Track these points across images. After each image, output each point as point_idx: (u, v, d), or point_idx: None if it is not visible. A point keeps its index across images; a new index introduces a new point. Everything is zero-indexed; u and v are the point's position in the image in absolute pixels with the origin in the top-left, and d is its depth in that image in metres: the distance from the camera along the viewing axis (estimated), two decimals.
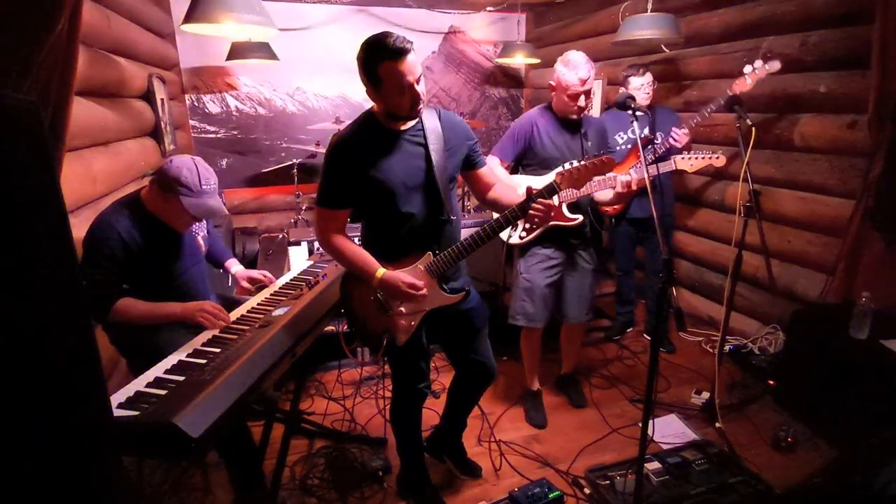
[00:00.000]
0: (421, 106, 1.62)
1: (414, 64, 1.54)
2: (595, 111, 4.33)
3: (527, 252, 2.44)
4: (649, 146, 2.90)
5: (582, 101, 2.22)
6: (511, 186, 1.88)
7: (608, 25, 4.07)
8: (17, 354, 0.62)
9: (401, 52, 1.50)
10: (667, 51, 3.58)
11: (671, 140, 2.81)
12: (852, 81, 2.51)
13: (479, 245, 1.72)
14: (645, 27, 2.94)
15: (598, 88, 4.42)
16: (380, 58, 1.52)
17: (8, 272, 0.56)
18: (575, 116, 2.28)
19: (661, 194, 3.02)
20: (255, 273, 2.23)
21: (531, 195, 1.67)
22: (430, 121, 1.72)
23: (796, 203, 2.86)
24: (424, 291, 1.70)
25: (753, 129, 2.38)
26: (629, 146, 3.03)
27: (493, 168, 1.90)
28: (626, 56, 4.08)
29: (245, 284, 2.21)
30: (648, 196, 2.62)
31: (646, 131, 3.00)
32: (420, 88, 1.58)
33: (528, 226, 2.40)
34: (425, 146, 1.69)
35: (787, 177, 2.90)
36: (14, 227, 0.55)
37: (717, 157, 2.61)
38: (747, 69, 2.62)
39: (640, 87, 2.97)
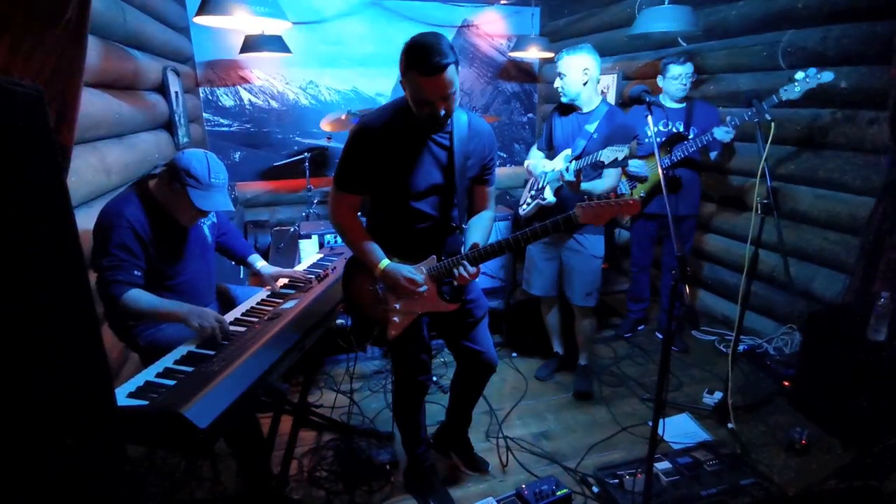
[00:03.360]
0: (442, 125, 1.60)
1: (444, 84, 1.48)
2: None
3: None
4: (683, 143, 2.80)
5: (556, 83, 2.42)
6: (478, 229, 1.82)
7: (624, 19, 4.01)
8: (19, 344, 0.62)
9: (431, 71, 1.45)
10: (684, 44, 3.51)
11: (715, 137, 2.70)
12: (874, 77, 2.44)
13: (482, 261, 1.69)
14: (662, 20, 2.87)
15: (612, 83, 4.36)
16: (410, 65, 1.48)
17: (8, 262, 0.56)
18: (563, 100, 2.45)
19: (683, 192, 2.94)
20: (286, 272, 2.21)
21: (469, 253, 1.67)
22: (460, 124, 1.68)
23: (815, 201, 2.79)
24: (423, 291, 1.69)
25: (772, 124, 2.33)
26: (659, 139, 2.93)
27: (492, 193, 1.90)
28: (641, 50, 4.02)
29: (276, 285, 2.16)
30: (670, 193, 2.67)
31: (679, 126, 2.92)
32: (448, 104, 1.54)
33: (528, 201, 2.63)
34: (450, 150, 1.67)
35: (805, 174, 2.83)
36: (15, 214, 0.54)
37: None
38: (799, 75, 2.42)
39: (679, 76, 2.86)
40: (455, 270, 1.68)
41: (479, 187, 1.83)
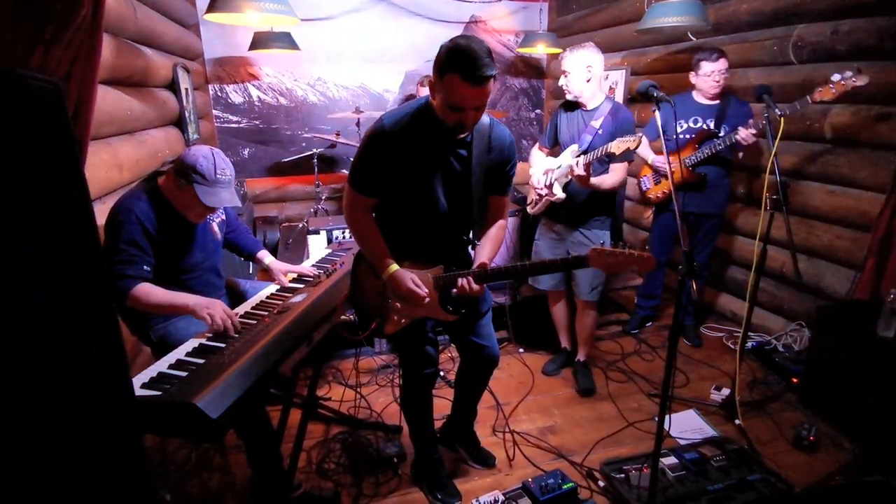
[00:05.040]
0: (465, 133, 1.59)
1: (484, 94, 1.47)
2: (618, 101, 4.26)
3: (540, 223, 2.77)
4: (711, 140, 2.77)
5: (561, 81, 2.46)
6: (489, 243, 1.81)
7: (633, 13, 3.98)
8: (41, 335, 0.63)
9: (477, 80, 1.43)
10: (694, 39, 3.49)
11: (736, 137, 2.65)
12: (885, 72, 2.42)
13: (487, 281, 1.70)
14: (671, 14, 2.86)
15: (621, 79, 4.34)
16: (453, 68, 1.44)
17: (30, 250, 0.57)
18: (568, 98, 2.49)
19: (708, 190, 2.93)
20: (294, 268, 2.25)
21: (476, 270, 1.69)
22: (481, 134, 1.65)
23: (825, 196, 2.77)
24: (426, 300, 1.69)
25: (782, 119, 2.31)
26: (689, 136, 2.92)
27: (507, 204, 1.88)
28: (650, 45, 3.99)
29: (284, 280, 2.19)
30: (695, 191, 2.77)
31: (711, 123, 2.88)
32: (478, 114, 1.54)
33: (535, 198, 2.66)
34: (468, 160, 1.65)
35: (815, 169, 2.81)
36: (37, 203, 0.56)
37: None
38: (835, 77, 2.34)
39: (711, 73, 2.79)
40: (459, 280, 1.68)
41: (494, 197, 1.81)
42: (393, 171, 1.63)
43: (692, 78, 2.92)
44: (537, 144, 2.76)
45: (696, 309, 3.39)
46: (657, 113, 1.75)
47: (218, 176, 1.80)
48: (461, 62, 1.42)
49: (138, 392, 1.35)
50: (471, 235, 1.84)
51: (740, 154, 2.93)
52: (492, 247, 1.80)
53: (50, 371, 0.66)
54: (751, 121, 2.63)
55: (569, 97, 2.46)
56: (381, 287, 1.76)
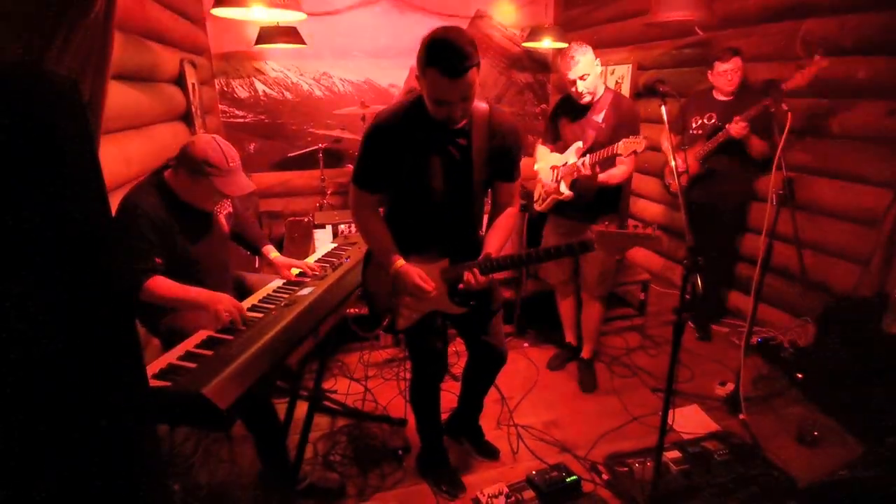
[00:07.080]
0: (458, 124, 1.58)
1: (466, 85, 1.43)
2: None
3: (548, 221, 2.77)
4: (715, 135, 2.83)
5: (580, 87, 2.33)
6: (497, 233, 1.79)
7: (639, 7, 3.95)
8: (60, 327, 0.65)
9: (454, 73, 1.40)
10: (700, 33, 3.47)
11: (730, 131, 2.72)
12: (892, 67, 2.40)
13: (492, 272, 1.68)
14: (678, 8, 2.85)
15: (627, 73, 4.32)
16: (431, 63, 1.42)
17: (51, 243, 0.59)
18: (580, 101, 2.40)
19: (719, 184, 2.97)
20: (298, 263, 2.25)
21: (480, 261, 1.66)
22: (479, 121, 1.63)
23: (832, 192, 2.76)
24: (432, 294, 1.70)
25: (789, 114, 2.30)
26: (701, 131, 2.99)
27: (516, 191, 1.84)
28: (657, 39, 3.97)
29: (288, 274, 2.20)
30: (708, 183, 2.79)
31: (721, 118, 2.91)
32: (466, 105, 1.52)
33: (543, 196, 2.66)
34: (468, 149, 1.63)
35: (822, 165, 2.80)
36: (58, 198, 0.57)
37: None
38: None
39: (724, 72, 2.87)
40: (465, 272, 1.68)
41: (501, 184, 1.79)
42: (392, 165, 1.64)
43: (709, 76, 2.99)
44: (540, 140, 2.76)
45: (705, 304, 3.37)
46: (663, 108, 1.75)
47: (230, 164, 1.82)
48: (439, 56, 1.40)
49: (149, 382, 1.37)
50: (477, 227, 1.84)
51: (755, 149, 2.89)
52: (499, 236, 1.77)
53: (49, 371, 0.66)
54: (740, 116, 2.69)
55: (586, 99, 2.38)
56: (391, 284, 1.77)
